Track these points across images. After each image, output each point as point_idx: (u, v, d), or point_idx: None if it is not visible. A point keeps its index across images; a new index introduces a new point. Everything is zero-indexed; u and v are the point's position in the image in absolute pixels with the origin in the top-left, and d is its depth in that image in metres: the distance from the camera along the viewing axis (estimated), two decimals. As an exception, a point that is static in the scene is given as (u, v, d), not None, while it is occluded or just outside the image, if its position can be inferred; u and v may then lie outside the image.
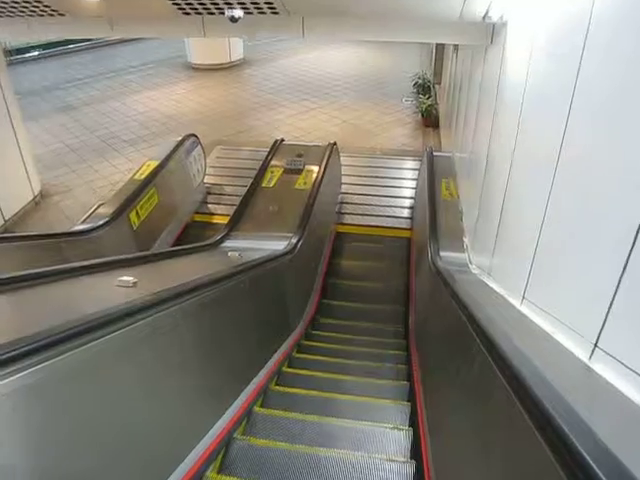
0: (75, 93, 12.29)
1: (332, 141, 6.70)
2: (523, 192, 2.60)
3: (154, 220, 6.03)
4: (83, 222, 5.59)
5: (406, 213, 6.90)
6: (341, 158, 7.74)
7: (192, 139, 7.10)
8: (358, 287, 6.02)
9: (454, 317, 2.38)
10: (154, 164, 6.27)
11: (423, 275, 4.63)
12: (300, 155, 6.17)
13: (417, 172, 7.29)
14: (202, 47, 13.46)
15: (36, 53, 15.39)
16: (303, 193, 5.49)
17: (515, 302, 2.40)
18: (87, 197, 7.57)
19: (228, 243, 4.61)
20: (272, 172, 6.03)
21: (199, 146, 7.29)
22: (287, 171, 6.03)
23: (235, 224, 4.92)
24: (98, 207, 5.86)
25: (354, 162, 8.20)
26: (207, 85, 12.56)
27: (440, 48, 8.96)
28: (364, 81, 12.38)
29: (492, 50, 3.91)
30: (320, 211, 5.76)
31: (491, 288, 3.02)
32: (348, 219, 6.90)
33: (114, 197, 5.71)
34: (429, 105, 9.37)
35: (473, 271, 4.03)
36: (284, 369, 3.98)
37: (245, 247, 4.55)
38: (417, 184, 6.93)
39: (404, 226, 6.64)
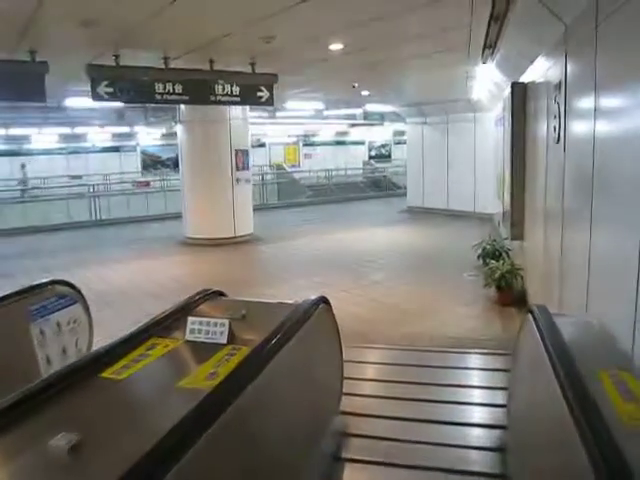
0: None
1: (319, 295, 3.10)
2: None
3: None
4: None
5: (490, 466, 2.83)
6: (360, 351, 4.17)
7: (58, 289, 3.65)
8: None
9: None
10: None
11: None
12: (236, 317, 2.56)
13: (502, 374, 3.44)
14: (200, 219, 10.97)
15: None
16: (193, 398, 1.73)
17: None
18: None
19: None
20: (154, 344, 2.38)
21: (77, 306, 3.78)
22: (188, 345, 2.37)
23: None
24: None
25: (382, 358, 4.45)
26: (190, 260, 9.83)
27: (518, 166, 5.67)
28: (408, 257, 9.23)
29: None
30: (251, 457, 1.91)
31: None
32: (358, 476, 2.86)
33: None
34: (507, 271, 5.81)
35: None
36: None
37: None
38: (511, 394, 2.98)
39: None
